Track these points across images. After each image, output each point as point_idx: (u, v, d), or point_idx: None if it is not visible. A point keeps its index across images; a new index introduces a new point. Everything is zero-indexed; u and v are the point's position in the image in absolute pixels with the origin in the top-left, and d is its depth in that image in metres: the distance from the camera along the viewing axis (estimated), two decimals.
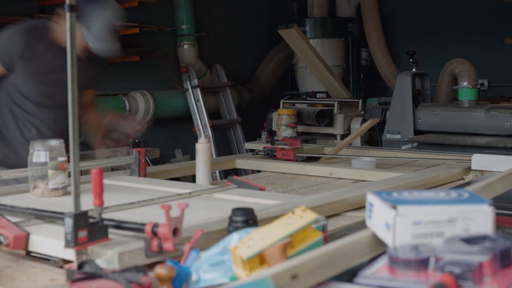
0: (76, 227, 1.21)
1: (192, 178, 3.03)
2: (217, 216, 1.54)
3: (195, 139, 3.33)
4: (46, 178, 1.95)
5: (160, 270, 1.10)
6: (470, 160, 2.53)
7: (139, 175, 2.39)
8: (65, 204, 1.79)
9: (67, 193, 1.99)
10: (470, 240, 1.07)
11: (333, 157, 3.04)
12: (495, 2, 6.26)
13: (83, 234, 1.22)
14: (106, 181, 2.18)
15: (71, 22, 1.18)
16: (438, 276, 0.97)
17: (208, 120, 5.64)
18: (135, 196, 1.90)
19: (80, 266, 1.20)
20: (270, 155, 2.98)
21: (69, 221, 1.21)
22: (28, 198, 1.96)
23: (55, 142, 1.98)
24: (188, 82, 5.69)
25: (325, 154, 3.07)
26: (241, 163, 2.95)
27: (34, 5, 4.82)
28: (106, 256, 1.26)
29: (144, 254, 1.28)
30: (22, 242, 1.39)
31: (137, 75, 5.55)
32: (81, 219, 1.22)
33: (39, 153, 1.96)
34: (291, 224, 1.13)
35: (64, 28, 2.47)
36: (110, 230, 1.32)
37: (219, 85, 6.00)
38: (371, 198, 1.23)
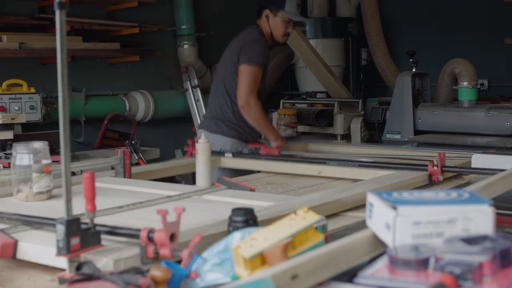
0: (69, 234, 1.16)
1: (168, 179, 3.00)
2: (210, 219, 1.51)
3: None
4: (30, 181, 1.85)
5: (155, 272, 1.09)
6: (470, 160, 2.53)
7: (124, 176, 2.33)
8: (52, 209, 1.72)
9: (52, 197, 1.90)
10: (470, 240, 1.07)
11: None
12: (495, 2, 6.25)
13: (75, 241, 1.17)
14: None
15: (61, 20, 1.16)
16: (438, 276, 0.97)
17: None
18: (122, 199, 1.83)
19: (78, 267, 1.18)
20: (255, 153, 2.95)
21: (61, 228, 1.16)
22: (12, 202, 1.87)
23: (39, 144, 1.88)
24: (188, 82, 5.69)
25: (308, 152, 3.02)
26: (226, 161, 2.93)
27: (34, 5, 4.82)
28: (101, 264, 1.22)
29: (140, 261, 1.25)
30: (9, 250, 1.33)
31: (137, 75, 5.55)
32: (73, 225, 1.16)
33: (22, 156, 1.85)
34: (294, 225, 1.13)
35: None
36: (101, 236, 1.26)
37: None
38: (371, 198, 1.23)
